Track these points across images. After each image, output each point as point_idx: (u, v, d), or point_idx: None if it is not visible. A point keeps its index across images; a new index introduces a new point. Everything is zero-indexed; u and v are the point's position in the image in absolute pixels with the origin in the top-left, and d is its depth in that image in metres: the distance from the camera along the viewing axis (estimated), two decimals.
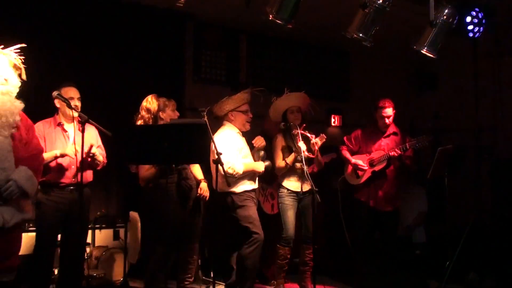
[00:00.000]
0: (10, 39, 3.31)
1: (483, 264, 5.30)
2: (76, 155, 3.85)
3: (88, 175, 4.10)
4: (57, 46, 5.59)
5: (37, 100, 4.95)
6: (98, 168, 4.14)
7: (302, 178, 4.80)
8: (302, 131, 4.67)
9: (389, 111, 4.98)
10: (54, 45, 5.58)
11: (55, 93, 3.83)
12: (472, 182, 6.92)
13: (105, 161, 4.15)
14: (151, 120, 4.21)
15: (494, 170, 6.75)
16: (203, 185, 4.49)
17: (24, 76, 3.38)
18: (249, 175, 4.52)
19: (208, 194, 4.51)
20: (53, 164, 3.89)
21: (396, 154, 4.81)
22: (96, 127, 4.03)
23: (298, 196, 4.87)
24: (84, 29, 5.76)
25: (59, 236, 4.09)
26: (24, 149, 3.29)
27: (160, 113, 4.26)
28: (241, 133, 4.61)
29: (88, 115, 3.84)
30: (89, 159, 3.95)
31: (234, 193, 4.44)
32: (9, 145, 3.18)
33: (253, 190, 4.58)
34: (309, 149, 4.72)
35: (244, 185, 4.50)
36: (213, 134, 4.55)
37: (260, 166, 4.53)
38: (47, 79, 5.02)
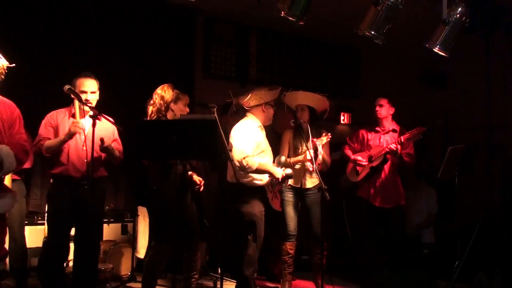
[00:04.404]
0: (23, 32, 3.30)
1: (492, 264, 5.27)
2: (86, 148, 3.76)
3: (102, 169, 4.01)
4: (66, 41, 5.61)
5: (48, 91, 5.01)
6: (115, 163, 4.04)
7: (302, 174, 4.87)
8: (313, 139, 4.66)
9: (380, 100, 5.09)
10: (64, 40, 5.60)
11: (66, 88, 3.76)
12: (483, 181, 6.87)
13: (122, 156, 4.04)
14: (163, 107, 4.18)
15: (506, 169, 6.70)
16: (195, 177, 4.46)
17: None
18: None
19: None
20: (64, 157, 3.81)
21: (391, 149, 4.80)
22: (109, 121, 3.95)
23: (299, 192, 4.90)
24: (93, 24, 5.77)
25: (73, 230, 4.01)
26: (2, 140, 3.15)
27: (172, 104, 4.23)
28: (262, 127, 4.54)
29: (98, 109, 3.82)
30: (103, 155, 3.88)
31: (244, 186, 4.34)
32: None
33: (264, 185, 4.52)
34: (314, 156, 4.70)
35: (256, 180, 4.42)
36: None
37: (278, 172, 4.37)
38: (57, 74, 5.06)
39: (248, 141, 4.32)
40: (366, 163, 5.03)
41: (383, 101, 5.09)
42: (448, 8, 4.31)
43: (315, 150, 4.63)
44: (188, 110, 4.33)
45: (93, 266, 4.02)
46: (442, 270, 5.09)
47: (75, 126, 3.70)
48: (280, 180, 4.38)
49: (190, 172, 4.34)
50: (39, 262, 5.08)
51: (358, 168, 5.11)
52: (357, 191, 5.16)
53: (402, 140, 4.79)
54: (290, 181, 4.86)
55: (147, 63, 6.13)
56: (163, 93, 4.23)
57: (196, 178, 4.34)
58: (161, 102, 4.19)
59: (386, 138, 5.04)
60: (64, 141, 3.75)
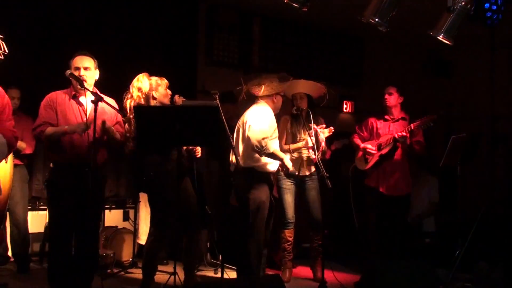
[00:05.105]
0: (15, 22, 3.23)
1: (493, 254, 5.27)
2: (88, 133, 3.61)
3: (103, 155, 3.89)
4: (69, 26, 5.58)
5: (49, 76, 4.97)
6: (117, 146, 3.92)
7: (300, 162, 4.88)
8: (315, 126, 4.66)
9: (389, 88, 5.08)
10: (66, 25, 5.57)
11: (68, 73, 3.69)
12: (486, 171, 6.86)
13: (123, 139, 3.91)
14: (142, 99, 4.08)
15: (508, 160, 6.68)
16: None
17: (4, 49, 3.26)
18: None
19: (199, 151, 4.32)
20: (65, 143, 3.68)
21: (400, 136, 4.81)
22: (111, 106, 3.85)
23: (297, 179, 4.91)
24: (96, 11, 5.75)
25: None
26: None
27: (153, 93, 4.12)
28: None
29: (99, 91, 3.79)
30: (105, 137, 3.77)
31: (253, 171, 4.36)
32: None
33: (272, 172, 4.52)
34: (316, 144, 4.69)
35: (269, 165, 4.42)
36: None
37: (289, 163, 4.40)
38: (58, 59, 5.01)
39: (267, 123, 4.34)
40: (375, 151, 5.04)
41: (393, 90, 5.08)
42: None
43: (316, 137, 4.63)
44: (170, 92, 4.24)
45: (93, 252, 3.98)
46: (443, 259, 5.08)
47: (82, 129, 3.59)
48: (289, 171, 4.43)
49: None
50: (40, 248, 5.12)
51: (367, 156, 5.12)
52: (365, 179, 5.18)
53: (412, 128, 4.80)
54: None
55: (150, 50, 6.12)
56: (139, 84, 4.11)
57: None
58: (139, 94, 4.08)
59: (395, 127, 5.06)
60: (66, 134, 3.64)
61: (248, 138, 4.27)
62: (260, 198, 4.33)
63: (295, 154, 4.90)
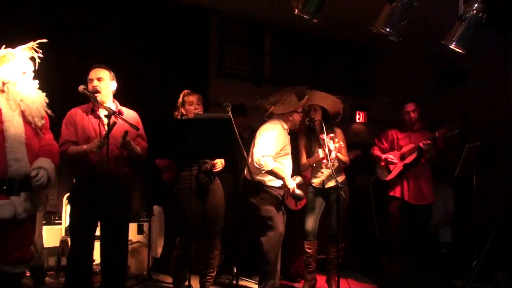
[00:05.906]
0: (31, 35, 3.33)
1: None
2: (108, 148, 3.54)
3: (124, 167, 3.84)
4: (81, 42, 5.63)
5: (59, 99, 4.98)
6: (139, 159, 3.89)
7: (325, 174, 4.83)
8: (324, 137, 4.63)
9: (411, 105, 5.09)
10: (78, 40, 5.62)
11: (80, 88, 3.72)
12: (501, 179, 6.78)
13: (144, 153, 3.86)
14: (179, 115, 4.40)
15: None
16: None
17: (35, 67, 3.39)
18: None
19: (219, 166, 4.40)
20: (85, 157, 3.67)
21: (426, 143, 4.81)
22: (124, 121, 3.74)
23: (322, 192, 4.88)
24: (108, 25, 5.80)
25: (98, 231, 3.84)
26: (37, 143, 3.29)
27: (182, 109, 4.40)
28: (288, 130, 4.58)
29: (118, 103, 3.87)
30: (125, 152, 3.75)
31: (263, 184, 4.40)
32: (22, 137, 3.18)
33: (281, 187, 4.53)
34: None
35: (275, 180, 4.44)
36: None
37: (290, 184, 4.36)
38: (69, 77, 5.03)
39: (272, 141, 4.35)
40: (398, 161, 5.05)
41: (413, 106, 5.10)
42: (464, 4, 4.25)
43: (328, 147, 4.61)
44: (196, 107, 4.38)
45: (121, 266, 3.91)
46: (460, 269, 5.02)
47: (97, 146, 3.58)
48: (290, 192, 4.38)
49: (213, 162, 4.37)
50: (56, 262, 5.14)
51: (390, 166, 5.11)
52: (388, 189, 5.16)
53: (437, 135, 4.79)
54: (314, 182, 4.89)
55: (162, 64, 6.16)
56: (178, 99, 4.46)
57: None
58: (177, 111, 4.44)
59: (416, 137, 5.06)
60: (86, 153, 3.65)
61: (253, 154, 4.37)
62: (268, 207, 4.39)
63: (321, 168, 4.87)
